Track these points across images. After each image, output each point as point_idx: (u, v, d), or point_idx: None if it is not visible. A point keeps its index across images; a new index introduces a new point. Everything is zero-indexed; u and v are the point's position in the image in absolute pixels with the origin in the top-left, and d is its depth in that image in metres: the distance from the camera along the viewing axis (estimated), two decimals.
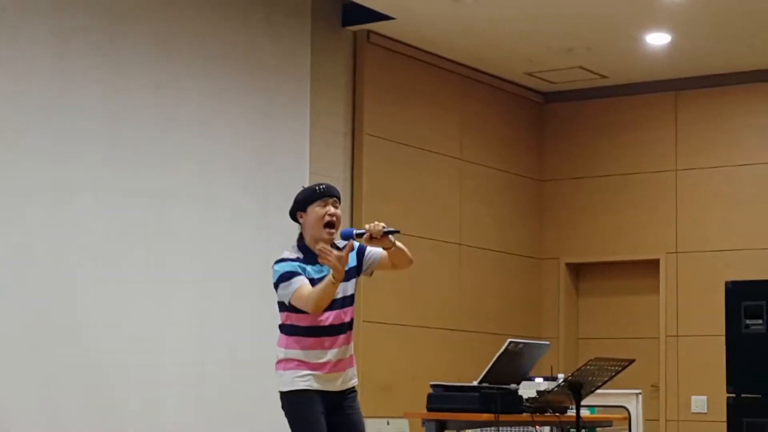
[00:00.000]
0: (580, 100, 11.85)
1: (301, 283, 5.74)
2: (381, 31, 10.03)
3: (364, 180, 9.89)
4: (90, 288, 7.68)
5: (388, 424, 9.72)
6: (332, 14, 9.72)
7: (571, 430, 7.45)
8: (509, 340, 7.14)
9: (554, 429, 8.12)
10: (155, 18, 8.26)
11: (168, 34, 8.33)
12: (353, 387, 6.04)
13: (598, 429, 8.33)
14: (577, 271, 11.96)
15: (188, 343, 8.30)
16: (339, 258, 5.60)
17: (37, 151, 7.47)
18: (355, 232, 5.72)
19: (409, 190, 10.36)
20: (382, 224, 5.71)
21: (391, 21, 9.73)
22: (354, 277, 5.99)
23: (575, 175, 11.85)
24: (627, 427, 8.90)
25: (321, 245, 5.67)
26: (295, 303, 5.76)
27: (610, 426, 8.32)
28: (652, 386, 11.22)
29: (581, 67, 10.98)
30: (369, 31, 9.99)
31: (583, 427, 7.77)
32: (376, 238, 5.70)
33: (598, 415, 8.37)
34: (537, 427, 8.12)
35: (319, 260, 5.71)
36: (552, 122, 12.01)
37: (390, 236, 5.73)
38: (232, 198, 8.73)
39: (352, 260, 5.98)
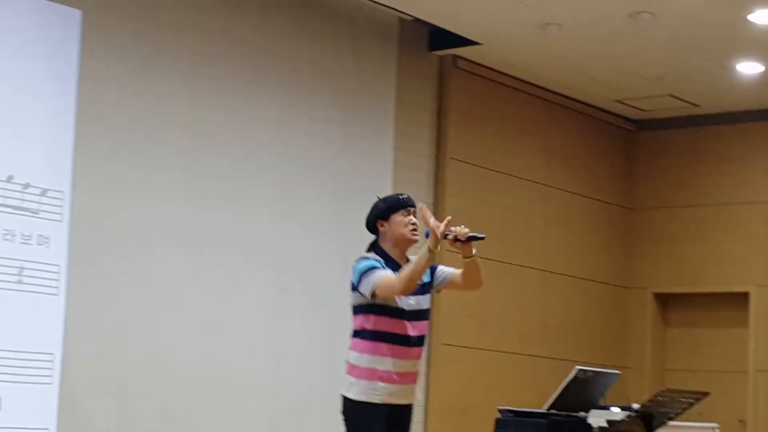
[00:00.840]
0: (672, 128, 11.74)
1: (385, 272, 5.86)
2: (467, 56, 10.05)
3: (446, 203, 9.90)
4: (166, 295, 7.82)
5: None
6: (419, 39, 9.76)
7: None
8: (578, 367, 7.10)
9: None
10: (240, 41, 8.38)
11: (253, 58, 8.45)
12: (413, 403, 6.09)
13: None
14: (665, 301, 11.81)
15: (262, 354, 8.41)
16: (441, 232, 5.73)
17: (124, 156, 7.65)
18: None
19: (493, 215, 10.34)
20: (467, 228, 5.77)
21: (478, 46, 9.76)
22: (428, 292, 6.06)
23: (666, 204, 11.73)
24: None
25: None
26: (381, 288, 5.82)
27: None
28: (739, 421, 11.04)
29: (671, 95, 10.89)
30: (455, 56, 10.01)
31: None
32: (461, 240, 5.76)
33: None
34: None
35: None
36: (643, 150, 11.91)
37: (473, 242, 5.79)
38: (313, 218, 8.81)
39: (425, 276, 6.05)
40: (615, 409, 7.73)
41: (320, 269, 8.78)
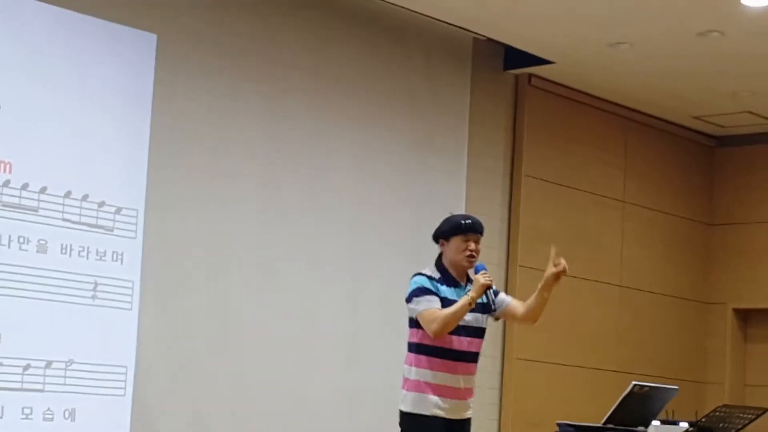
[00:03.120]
0: (753, 144, 11.70)
1: (432, 303, 6.04)
2: (542, 75, 10.14)
3: (521, 220, 10.00)
4: (239, 312, 8.02)
5: None
6: (494, 58, 9.86)
7: None
8: (634, 382, 7.20)
9: None
10: (313, 65, 8.54)
11: (327, 76, 8.62)
12: (470, 417, 6.24)
13: None
14: (745, 317, 11.75)
15: (337, 362, 8.56)
16: (485, 283, 5.96)
17: (196, 175, 7.88)
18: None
19: (568, 231, 10.39)
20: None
21: (552, 65, 9.85)
22: (488, 312, 6.22)
23: (746, 220, 11.69)
24: None
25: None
26: (420, 320, 6.05)
27: None
28: None
29: (749, 112, 10.88)
30: (530, 75, 10.11)
31: None
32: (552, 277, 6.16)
33: None
34: None
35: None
36: (723, 166, 11.86)
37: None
38: (387, 237, 8.94)
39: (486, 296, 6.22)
40: (683, 424, 7.81)
41: (396, 286, 8.85)
